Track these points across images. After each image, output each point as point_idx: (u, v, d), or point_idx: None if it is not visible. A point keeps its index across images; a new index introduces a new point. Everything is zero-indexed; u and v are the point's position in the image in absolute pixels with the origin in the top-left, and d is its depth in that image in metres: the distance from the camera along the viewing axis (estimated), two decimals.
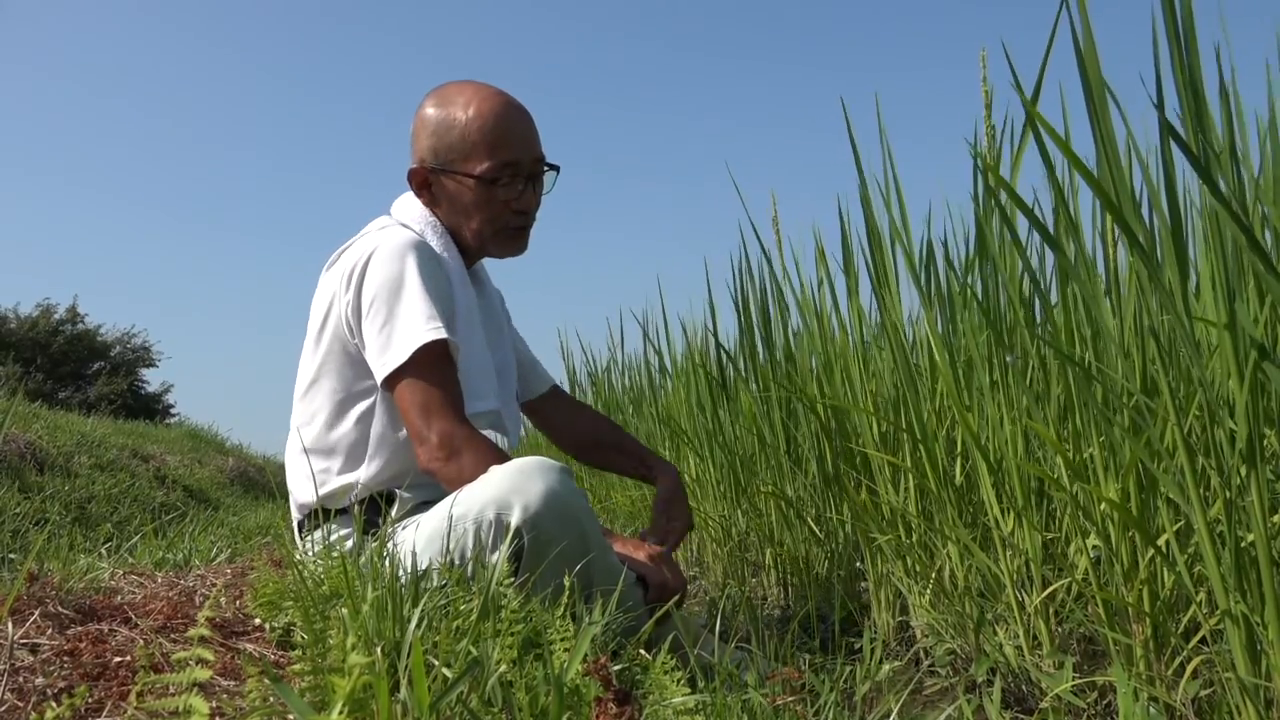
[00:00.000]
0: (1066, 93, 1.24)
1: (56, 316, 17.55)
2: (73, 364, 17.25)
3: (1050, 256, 1.32)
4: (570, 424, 1.85)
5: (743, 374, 2.29)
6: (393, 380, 1.43)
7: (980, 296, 1.41)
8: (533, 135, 1.56)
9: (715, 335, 2.48)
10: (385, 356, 1.42)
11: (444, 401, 1.41)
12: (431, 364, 1.42)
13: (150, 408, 17.11)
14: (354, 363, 1.51)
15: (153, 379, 18.70)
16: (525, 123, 1.55)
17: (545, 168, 1.58)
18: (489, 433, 1.53)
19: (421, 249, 1.47)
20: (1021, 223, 1.30)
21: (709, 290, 2.51)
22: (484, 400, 1.52)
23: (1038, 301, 1.37)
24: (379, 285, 1.44)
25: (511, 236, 1.57)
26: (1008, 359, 1.36)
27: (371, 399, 1.51)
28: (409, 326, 1.41)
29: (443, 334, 1.41)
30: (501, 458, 1.36)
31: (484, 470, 1.34)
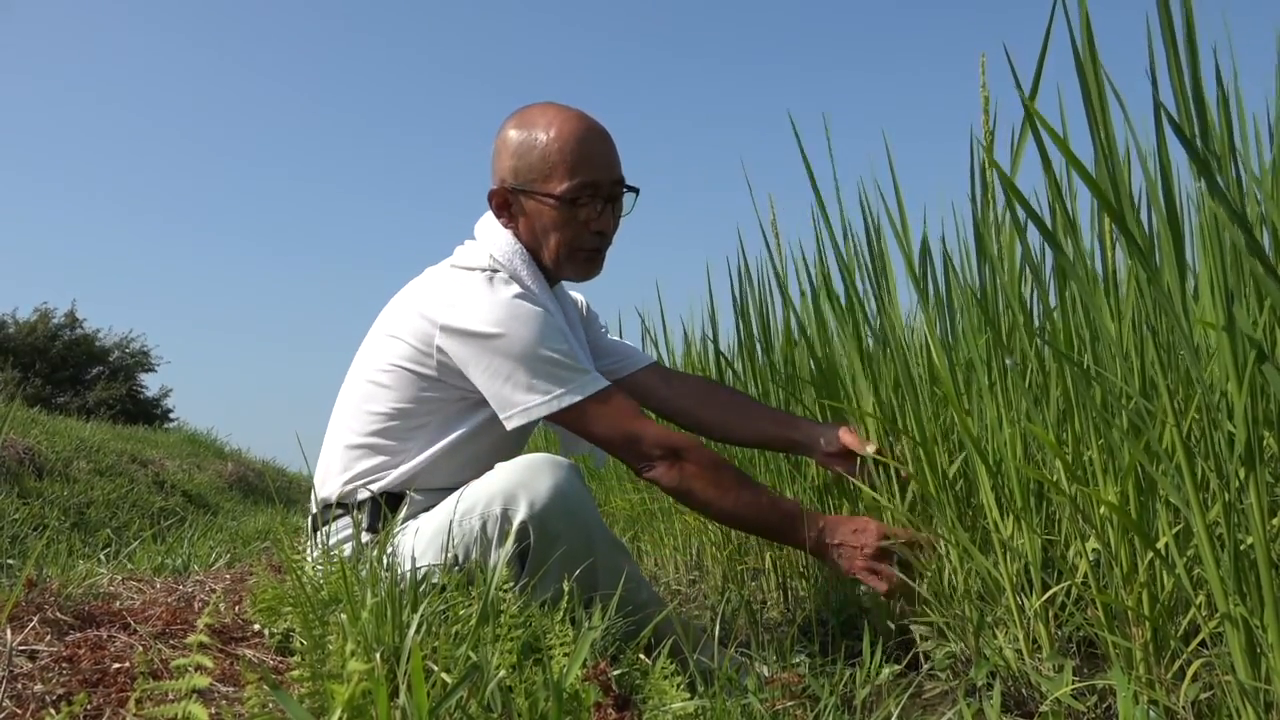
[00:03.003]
0: (1066, 95, 1.24)
1: (55, 321, 17.53)
2: (71, 369, 17.24)
3: (1049, 257, 1.32)
4: (677, 393, 1.85)
5: (740, 377, 2.29)
6: (573, 421, 1.47)
7: (979, 297, 1.41)
8: (613, 157, 1.57)
9: (715, 341, 2.48)
10: (557, 401, 1.45)
11: (641, 424, 1.50)
12: (607, 400, 1.48)
13: (149, 412, 17.10)
14: (425, 383, 1.51)
15: (151, 384, 18.69)
16: (605, 144, 1.57)
17: (624, 189, 1.59)
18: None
19: (533, 300, 1.49)
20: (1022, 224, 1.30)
21: (710, 294, 2.50)
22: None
23: (1037, 303, 1.37)
24: (519, 351, 1.44)
25: (587, 259, 1.59)
26: (1006, 362, 1.35)
27: (431, 418, 1.52)
28: (570, 380, 1.45)
29: (603, 381, 1.48)
30: (716, 459, 1.48)
31: (714, 472, 1.45)
